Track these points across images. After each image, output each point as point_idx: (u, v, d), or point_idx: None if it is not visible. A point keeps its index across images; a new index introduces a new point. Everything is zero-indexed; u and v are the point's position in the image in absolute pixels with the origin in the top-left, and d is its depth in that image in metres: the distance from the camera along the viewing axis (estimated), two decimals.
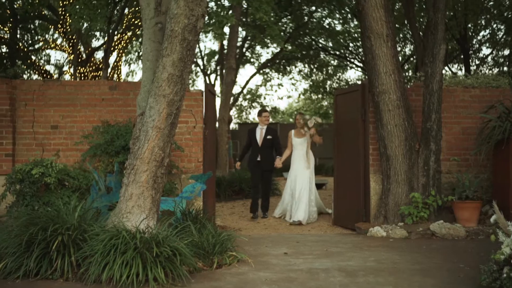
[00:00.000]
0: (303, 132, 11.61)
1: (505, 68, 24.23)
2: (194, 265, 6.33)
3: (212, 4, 16.52)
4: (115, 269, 5.67)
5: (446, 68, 24.87)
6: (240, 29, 21.85)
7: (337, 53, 26.30)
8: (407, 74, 25.65)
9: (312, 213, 11.25)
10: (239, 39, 23.36)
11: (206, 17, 13.72)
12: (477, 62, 25.28)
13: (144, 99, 7.19)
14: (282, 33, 22.26)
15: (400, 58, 24.52)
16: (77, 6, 14.11)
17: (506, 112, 9.73)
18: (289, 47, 23.84)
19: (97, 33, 22.10)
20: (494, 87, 10.66)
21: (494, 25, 22.78)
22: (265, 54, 45.32)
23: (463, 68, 23.18)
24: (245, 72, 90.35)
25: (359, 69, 26.80)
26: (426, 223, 9.17)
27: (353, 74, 61.28)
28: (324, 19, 23.93)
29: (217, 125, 18.06)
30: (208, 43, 63.52)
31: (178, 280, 5.88)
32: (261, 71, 27.80)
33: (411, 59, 25.13)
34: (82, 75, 20.89)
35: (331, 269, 6.67)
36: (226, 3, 15.56)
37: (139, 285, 5.69)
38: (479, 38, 24.13)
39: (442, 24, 9.86)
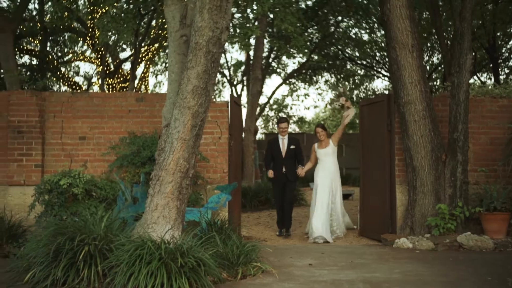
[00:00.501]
0: (338, 105, 11.20)
1: None
2: (218, 276, 6.36)
3: (237, 15, 16.63)
4: (140, 279, 5.72)
5: (475, 77, 24.64)
6: (266, 39, 21.96)
7: (364, 62, 26.23)
8: (435, 83, 25.46)
9: (339, 228, 10.72)
10: (266, 50, 23.45)
11: (231, 29, 13.84)
12: (507, 71, 24.98)
13: (170, 111, 7.27)
14: (308, 43, 22.34)
15: (428, 67, 24.51)
16: (104, 20, 14.32)
17: None
18: (316, 57, 23.83)
19: (125, 45, 22.39)
20: None
21: None
22: (292, 64, 45.43)
23: (492, 78, 22.92)
24: (272, 83, 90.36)
25: (386, 78, 26.67)
26: (453, 235, 9.08)
27: (380, 84, 61.05)
28: (350, 28, 23.89)
29: (243, 135, 18.15)
30: (234, 53, 63.91)
31: None
32: (287, 81, 27.83)
33: (439, 68, 24.93)
34: (110, 86, 21.17)
35: (356, 280, 6.65)
36: (251, 15, 15.63)
37: None
38: (508, 46, 23.84)
39: (468, 33, 9.79)
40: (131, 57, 20.77)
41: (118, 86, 21.42)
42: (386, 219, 10.05)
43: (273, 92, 26.34)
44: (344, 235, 10.80)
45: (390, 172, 10.14)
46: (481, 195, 9.75)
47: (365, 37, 24.69)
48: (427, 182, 9.57)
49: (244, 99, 24.62)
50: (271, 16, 18.11)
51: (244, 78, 25.68)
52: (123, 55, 24.04)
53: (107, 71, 21.16)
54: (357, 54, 25.57)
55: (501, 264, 7.53)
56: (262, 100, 26.84)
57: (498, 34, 21.56)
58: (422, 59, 10.08)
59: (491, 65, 22.52)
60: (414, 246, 8.92)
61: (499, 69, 23.11)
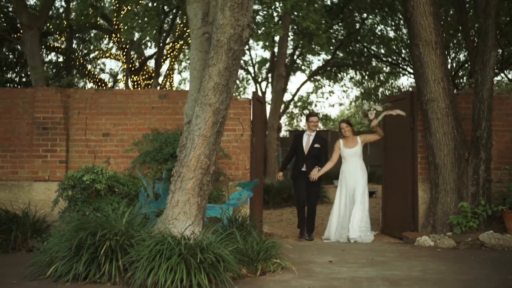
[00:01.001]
0: (366, 122, 10.20)
1: None
2: (237, 272, 6.40)
3: (262, 13, 16.65)
4: (160, 274, 5.78)
5: (502, 74, 24.32)
6: (291, 36, 21.93)
7: (389, 60, 26.04)
8: (461, 81, 25.19)
9: (367, 231, 9.88)
10: (290, 47, 23.42)
11: (254, 27, 13.86)
12: None
13: (191, 108, 7.33)
14: (333, 40, 22.26)
15: (454, 64, 24.26)
16: (128, 17, 14.45)
17: None
18: (341, 54, 23.72)
19: (149, 43, 22.56)
20: None
21: None
22: (316, 61, 45.26)
23: None
24: (296, 80, 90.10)
25: (412, 76, 26.43)
26: (475, 233, 9.02)
27: (405, 81, 60.51)
28: (376, 25, 23.75)
29: (266, 132, 18.17)
30: (259, 51, 64.02)
31: (221, 286, 5.96)
32: (312, 79, 27.76)
33: (466, 65, 24.65)
34: (136, 83, 21.36)
35: (375, 278, 6.64)
36: (275, 13, 15.64)
37: None
38: None
39: (492, 30, 9.69)
40: (156, 54, 20.93)
41: (143, 83, 21.62)
42: (408, 217, 10.01)
43: (298, 89, 26.30)
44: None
45: (412, 170, 10.09)
46: (504, 193, 9.67)
47: (391, 34, 24.53)
48: (449, 180, 9.51)
49: (268, 96, 24.64)
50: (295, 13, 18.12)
51: (269, 75, 25.68)
52: (148, 52, 24.27)
53: (132, 68, 21.36)
54: (382, 51, 25.40)
55: None
56: (287, 97, 26.83)
57: None
58: (445, 57, 10.00)
59: None
60: (436, 244, 8.87)
61: None
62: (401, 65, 26.25)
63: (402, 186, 10.31)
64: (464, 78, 25.50)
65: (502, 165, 10.04)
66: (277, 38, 19.38)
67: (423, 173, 10.04)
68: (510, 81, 23.79)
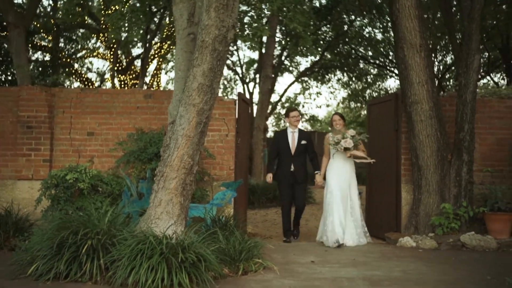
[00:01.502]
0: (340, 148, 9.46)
1: None
2: (219, 271, 6.42)
3: (250, 14, 16.67)
4: (141, 273, 5.80)
5: (488, 78, 24.52)
6: (279, 38, 21.97)
7: (377, 62, 26.15)
8: (448, 83, 25.34)
9: (362, 234, 9.54)
10: (278, 48, 23.46)
11: (238, 28, 13.89)
12: None
13: (175, 108, 7.35)
14: (321, 42, 22.32)
15: (441, 67, 24.40)
16: (115, 17, 14.43)
17: None
18: (328, 56, 23.77)
19: (137, 42, 22.52)
20: None
21: None
22: (304, 62, 45.24)
23: (506, 78, 22.77)
24: (284, 81, 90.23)
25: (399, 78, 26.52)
26: (456, 234, 9.09)
27: (392, 83, 60.75)
28: (364, 27, 23.84)
29: (252, 133, 18.20)
30: (247, 51, 63.98)
31: (202, 286, 5.98)
32: (300, 80, 27.82)
33: (452, 68, 24.80)
34: (122, 83, 21.32)
35: (356, 278, 6.68)
36: (262, 14, 15.66)
37: None
38: None
39: (476, 34, 9.77)
40: (142, 54, 20.92)
41: (130, 83, 21.58)
42: (391, 218, 10.07)
43: (285, 90, 26.34)
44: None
45: (396, 171, 10.16)
46: (486, 195, 9.76)
47: (379, 36, 24.64)
48: (432, 181, 9.58)
49: (256, 97, 24.65)
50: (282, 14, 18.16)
51: (257, 76, 25.70)
52: (135, 52, 24.22)
53: (120, 68, 21.32)
54: (370, 53, 25.51)
55: (502, 264, 7.53)
56: (274, 98, 26.84)
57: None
58: (430, 59, 10.07)
59: (504, 65, 22.38)
60: (418, 245, 8.94)
61: None
62: (388, 67, 26.38)
63: (386, 187, 10.38)
64: (451, 80, 25.67)
65: (485, 167, 10.13)
66: (265, 39, 19.44)
67: (406, 174, 10.10)
68: (496, 84, 23.99)
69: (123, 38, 17.87)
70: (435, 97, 9.83)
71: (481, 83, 22.89)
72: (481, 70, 20.29)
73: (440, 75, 23.76)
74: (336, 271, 7.07)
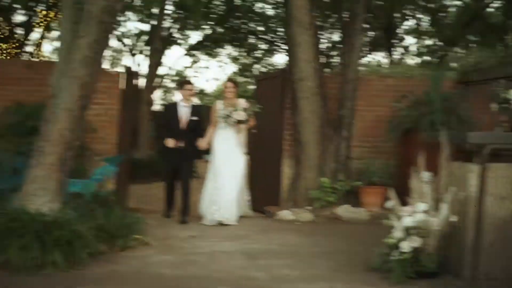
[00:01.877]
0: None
1: (428, 58, 24.92)
2: (96, 248, 6.32)
3: None
4: (11, 253, 5.61)
5: (372, 56, 25.45)
6: (169, 10, 21.61)
7: (266, 37, 26.39)
8: (333, 60, 26.04)
9: (247, 206, 9.60)
10: (170, 20, 23.10)
11: None
12: (403, 52, 25.89)
13: (58, 80, 7.09)
14: (212, 15, 22.19)
15: (330, 45, 25.02)
16: None
17: (416, 101, 10.06)
18: (219, 30, 23.70)
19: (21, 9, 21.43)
20: (408, 77, 10.99)
21: (419, 16, 23.37)
22: (195, 36, 44.85)
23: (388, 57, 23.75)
24: (174, 54, 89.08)
25: (287, 54, 26.90)
26: (333, 208, 9.47)
27: (281, 59, 61.71)
28: (256, 2, 23.89)
29: (138, 107, 17.93)
30: (137, 23, 62.69)
31: (78, 264, 5.88)
32: (189, 53, 27.62)
33: (339, 46, 25.45)
34: (4, 52, 20.27)
35: (234, 252, 6.83)
36: None
37: (38, 270, 5.64)
38: (404, 28, 24.68)
39: (361, 14, 10.10)
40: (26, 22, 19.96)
41: (13, 52, 20.55)
42: (273, 192, 10.31)
43: (173, 64, 26.07)
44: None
45: (279, 147, 10.38)
46: (363, 170, 10.19)
47: (270, 12, 24.79)
48: (312, 156, 9.88)
49: (144, 70, 24.22)
50: None
51: (146, 48, 25.21)
52: (19, 19, 23.01)
53: (1, 36, 20.22)
54: (261, 28, 25.66)
55: (372, 235, 7.89)
56: (163, 71, 26.50)
57: (395, 15, 22.28)
58: (317, 38, 10.32)
59: (387, 45, 23.32)
60: (296, 218, 9.23)
61: (395, 49, 23.97)
62: (277, 43, 26.72)
63: (268, 162, 10.59)
64: (337, 58, 26.37)
65: (363, 144, 10.56)
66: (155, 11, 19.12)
67: (290, 150, 10.35)
68: (379, 63, 24.96)
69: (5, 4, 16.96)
70: (321, 75, 10.09)
71: (366, 61, 23.73)
72: (365, 49, 21.05)
73: (328, 53, 24.37)
74: (216, 245, 7.19)
